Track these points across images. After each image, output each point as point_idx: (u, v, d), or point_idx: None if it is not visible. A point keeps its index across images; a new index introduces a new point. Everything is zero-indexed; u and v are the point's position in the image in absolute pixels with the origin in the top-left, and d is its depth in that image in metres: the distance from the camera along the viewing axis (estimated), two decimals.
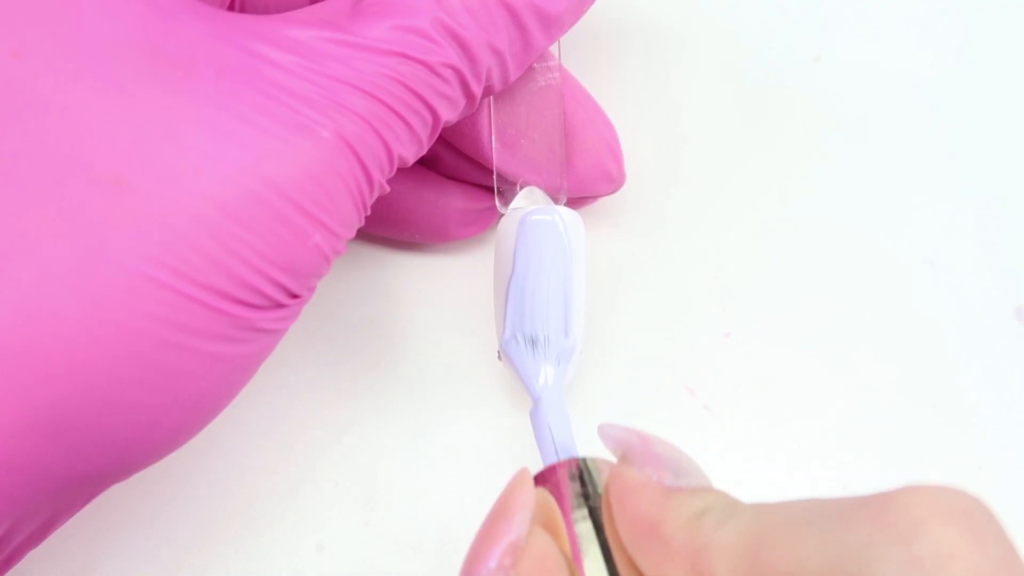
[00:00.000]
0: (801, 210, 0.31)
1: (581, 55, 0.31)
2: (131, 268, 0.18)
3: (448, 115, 0.22)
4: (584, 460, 0.21)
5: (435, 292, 0.29)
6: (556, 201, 0.27)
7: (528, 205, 0.26)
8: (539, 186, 0.27)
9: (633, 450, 0.20)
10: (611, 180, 0.28)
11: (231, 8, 0.24)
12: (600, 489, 0.20)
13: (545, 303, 0.25)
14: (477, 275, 0.29)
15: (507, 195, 0.27)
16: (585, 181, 0.28)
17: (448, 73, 0.22)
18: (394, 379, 0.28)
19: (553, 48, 0.26)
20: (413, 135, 0.22)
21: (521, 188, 0.27)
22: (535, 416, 0.24)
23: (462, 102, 0.23)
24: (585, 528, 0.20)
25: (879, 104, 0.32)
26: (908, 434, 0.28)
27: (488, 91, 0.23)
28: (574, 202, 0.28)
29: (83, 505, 0.21)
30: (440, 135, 0.27)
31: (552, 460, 0.23)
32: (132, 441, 0.20)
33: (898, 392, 0.28)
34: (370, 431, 0.28)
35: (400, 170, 0.27)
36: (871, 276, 0.30)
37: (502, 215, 0.27)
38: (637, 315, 0.29)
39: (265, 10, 0.24)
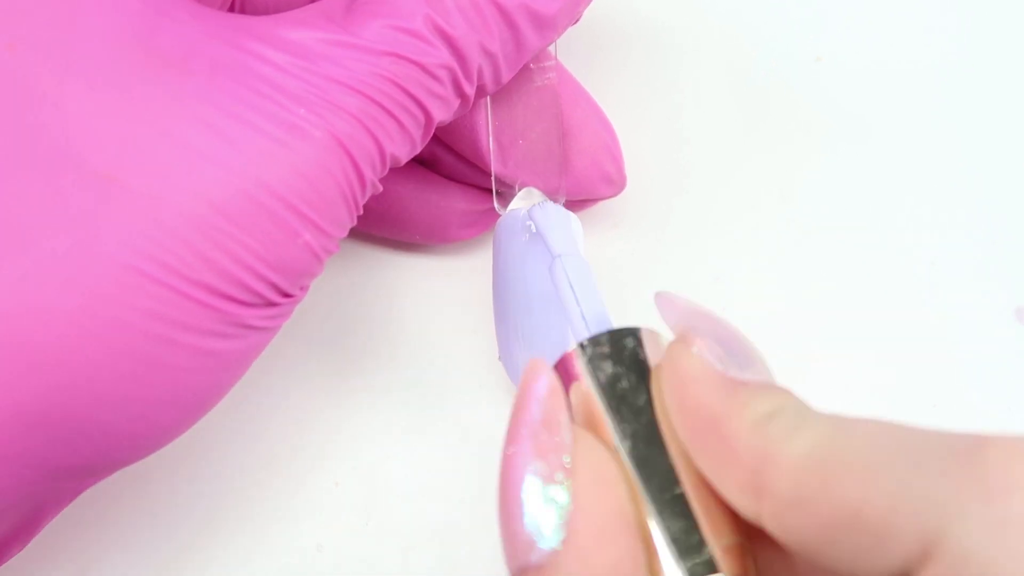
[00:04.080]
0: (802, 211, 0.31)
1: (581, 56, 0.31)
2: (121, 262, 0.19)
3: (441, 115, 0.22)
4: (624, 331, 0.18)
5: (436, 292, 0.30)
6: (554, 201, 0.27)
7: (525, 206, 0.26)
8: (537, 187, 0.27)
9: (698, 329, 0.18)
10: (609, 181, 0.28)
11: (231, 9, 0.24)
12: (637, 368, 0.18)
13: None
14: (478, 276, 0.29)
15: (506, 196, 0.27)
16: (583, 182, 0.28)
17: (441, 73, 0.22)
18: (395, 379, 0.29)
19: (550, 48, 0.26)
20: (405, 134, 0.22)
21: (519, 189, 0.27)
22: (554, 274, 0.22)
23: (455, 102, 0.23)
24: (628, 417, 0.17)
25: (880, 105, 0.32)
26: None
27: (481, 91, 0.23)
28: (575, 205, 0.28)
29: (71, 499, 0.22)
30: (439, 137, 0.27)
31: (582, 330, 0.21)
32: (120, 435, 0.20)
33: (898, 392, 0.28)
34: (370, 431, 0.28)
35: (401, 172, 0.28)
36: (871, 276, 0.30)
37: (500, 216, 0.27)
38: (637, 316, 0.29)
39: (265, 11, 0.24)
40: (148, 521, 0.27)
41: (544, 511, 0.16)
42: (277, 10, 0.24)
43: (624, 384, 0.18)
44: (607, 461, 0.17)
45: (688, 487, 0.17)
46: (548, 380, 0.18)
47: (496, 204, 0.27)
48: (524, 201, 0.26)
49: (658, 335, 0.18)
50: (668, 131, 0.31)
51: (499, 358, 0.27)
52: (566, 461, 0.17)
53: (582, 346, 0.18)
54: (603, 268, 0.29)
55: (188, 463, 0.27)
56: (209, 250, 0.19)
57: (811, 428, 0.16)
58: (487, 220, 0.29)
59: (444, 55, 0.22)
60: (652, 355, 0.18)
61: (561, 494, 0.16)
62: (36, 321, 0.18)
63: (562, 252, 0.23)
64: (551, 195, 0.27)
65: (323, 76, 0.20)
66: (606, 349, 0.18)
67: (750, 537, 0.17)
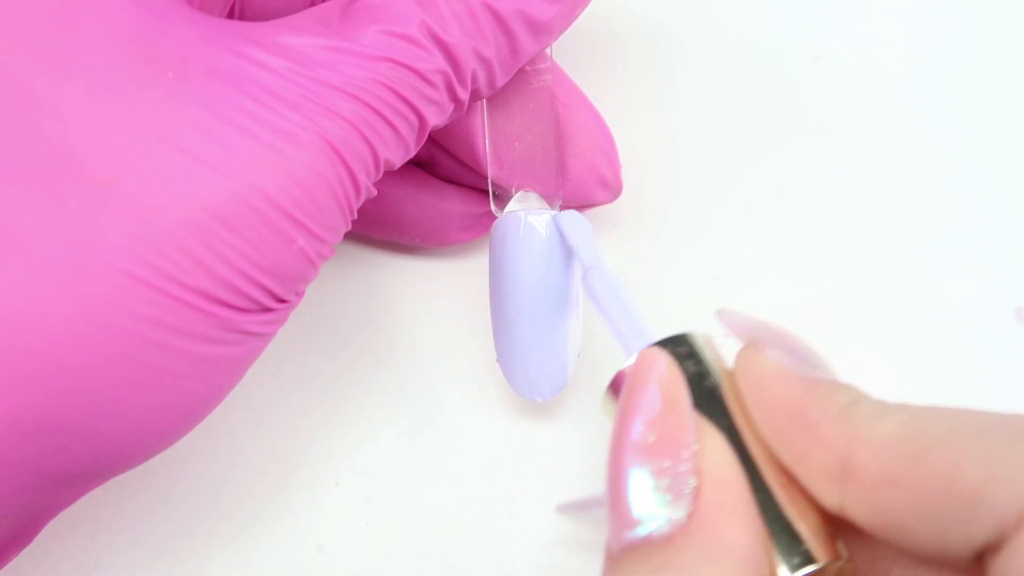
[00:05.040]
0: (801, 211, 0.31)
1: (577, 57, 0.31)
2: (118, 268, 0.19)
3: (435, 119, 0.22)
4: (691, 336, 0.19)
5: (435, 294, 0.30)
6: (551, 205, 0.27)
7: (522, 209, 0.26)
8: (534, 190, 0.27)
9: (765, 337, 0.19)
10: (606, 185, 0.28)
11: (231, 15, 0.25)
12: (711, 368, 0.19)
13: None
14: (476, 278, 0.29)
15: (502, 198, 0.27)
16: (579, 186, 0.28)
17: (436, 78, 0.22)
18: (395, 380, 0.29)
19: (546, 50, 0.26)
20: (400, 139, 0.22)
21: (516, 192, 0.27)
22: (591, 287, 0.23)
23: (450, 107, 0.23)
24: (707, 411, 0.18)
25: (879, 105, 0.32)
26: None
27: (475, 96, 0.23)
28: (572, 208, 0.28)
29: (68, 504, 0.22)
30: (436, 139, 0.27)
31: (634, 336, 0.21)
32: (118, 440, 0.20)
33: (898, 392, 0.28)
34: (370, 431, 0.28)
35: (400, 174, 0.28)
36: (871, 276, 0.30)
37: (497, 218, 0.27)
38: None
39: (264, 18, 0.24)
40: (148, 521, 0.27)
41: (671, 482, 0.17)
42: (276, 16, 0.24)
43: (707, 383, 0.19)
44: (726, 444, 0.18)
45: (774, 481, 0.18)
46: (668, 364, 0.18)
47: (493, 206, 0.27)
48: (520, 204, 0.27)
49: (712, 339, 0.19)
50: (666, 132, 0.31)
51: (496, 360, 0.27)
52: (692, 440, 0.17)
53: (664, 344, 0.19)
54: None
55: (187, 464, 0.27)
56: (204, 255, 0.19)
57: (894, 413, 0.17)
58: (486, 223, 0.29)
59: (439, 60, 0.22)
60: (712, 358, 0.19)
61: (687, 471, 0.17)
62: (32, 326, 0.18)
63: (593, 263, 0.23)
64: (548, 198, 0.27)
65: (320, 82, 0.20)
66: (684, 350, 0.19)
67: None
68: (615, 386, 0.19)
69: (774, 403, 0.18)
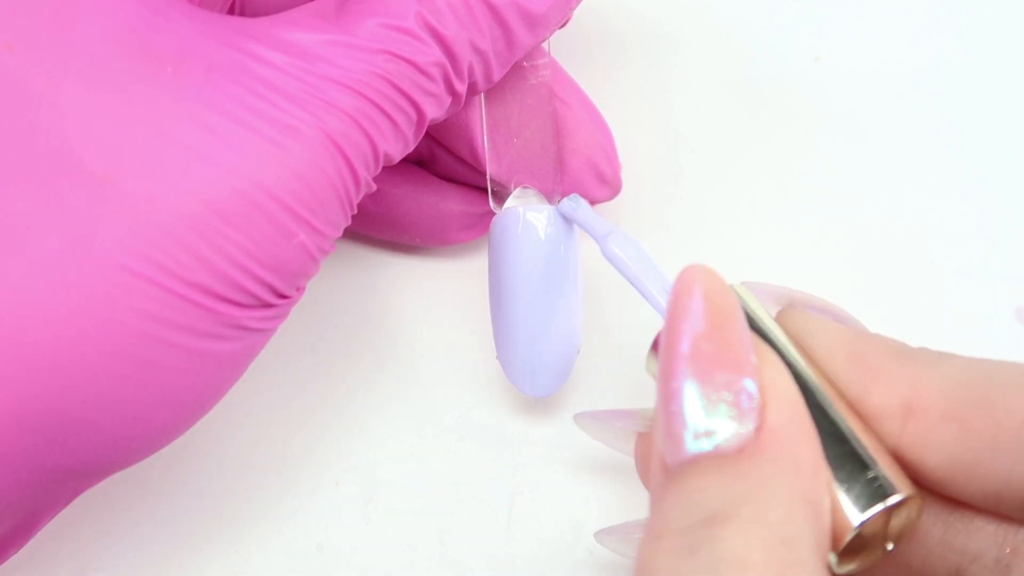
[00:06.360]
0: (800, 209, 0.31)
1: (576, 55, 0.31)
2: (118, 263, 0.19)
3: (433, 112, 0.23)
4: (735, 287, 0.19)
5: (435, 294, 0.30)
6: (550, 201, 0.27)
7: (520, 205, 0.26)
8: (532, 186, 0.27)
9: (800, 301, 0.19)
10: (604, 181, 0.28)
11: (231, 12, 0.25)
12: (759, 313, 0.19)
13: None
14: (476, 278, 0.29)
15: (501, 195, 0.27)
16: (577, 181, 0.28)
17: (434, 71, 0.22)
18: (395, 379, 0.29)
19: (544, 45, 0.26)
20: (399, 132, 0.22)
21: (515, 188, 0.27)
22: (614, 250, 0.23)
23: (447, 100, 0.23)
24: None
25: (879, 104, 0.32)
26: None
27: (472, 89, 0.23)
28: None
29: (67, 503, 0.22)
30: (435, 136, 0.27)
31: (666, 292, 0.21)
32: (118, 436, 0.20)
33: None
34: (370, 431, 0.28)
35: (400, 174, 0.28)
36: (871, 276, 0.30)
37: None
38: (637, 315, 0.29)
39: (264, 13, 0.24)
40: (148, 521, 0.27)
41: (735, 396, 0.16)
42: (276, 12, 0.24)
43: (756, 325, 0.19)
44: (784, 364, 0.17)
45: (841, 412, 0.18)
46: (716, 277, 0.18)
47: (492, 203, 0.27)
48: (519, 200, 0.27)
49: (752, 293, 0.20)
50: (666, 130, 0.31)
51: (496, 358, 0.27)
52: (751, 354, 0.17)
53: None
54: (603, 268, 0.29)
55: (187, 463, 0.27)
56: (204, 251, 0.19)
57: (952, 360, 0.18)
58: (486, 222, 0.29)
59: (436, 53, 0.22)
60: (758, 306, 0.20)
61: (750, 385, 0.17)
62: (32, 323, 0.18)
63: (609, 230, 0.23)
64: (546, 194, 0.27)
65: (319, 76, 0.21)
66: None
67: None
68: (657, 346, 0.19)
69: (831, 346, 0.18)
